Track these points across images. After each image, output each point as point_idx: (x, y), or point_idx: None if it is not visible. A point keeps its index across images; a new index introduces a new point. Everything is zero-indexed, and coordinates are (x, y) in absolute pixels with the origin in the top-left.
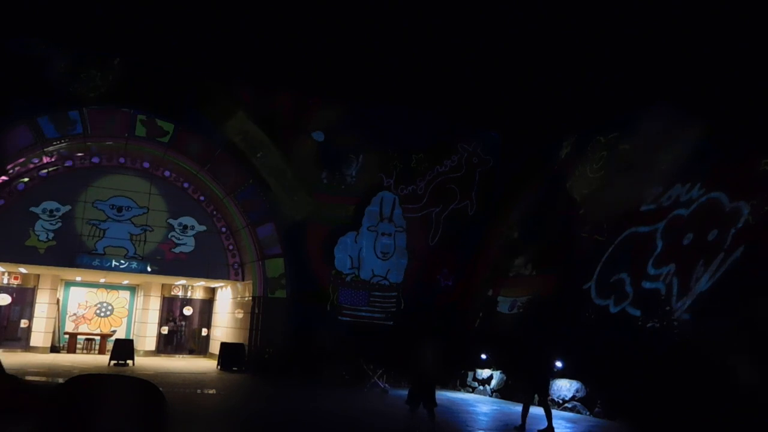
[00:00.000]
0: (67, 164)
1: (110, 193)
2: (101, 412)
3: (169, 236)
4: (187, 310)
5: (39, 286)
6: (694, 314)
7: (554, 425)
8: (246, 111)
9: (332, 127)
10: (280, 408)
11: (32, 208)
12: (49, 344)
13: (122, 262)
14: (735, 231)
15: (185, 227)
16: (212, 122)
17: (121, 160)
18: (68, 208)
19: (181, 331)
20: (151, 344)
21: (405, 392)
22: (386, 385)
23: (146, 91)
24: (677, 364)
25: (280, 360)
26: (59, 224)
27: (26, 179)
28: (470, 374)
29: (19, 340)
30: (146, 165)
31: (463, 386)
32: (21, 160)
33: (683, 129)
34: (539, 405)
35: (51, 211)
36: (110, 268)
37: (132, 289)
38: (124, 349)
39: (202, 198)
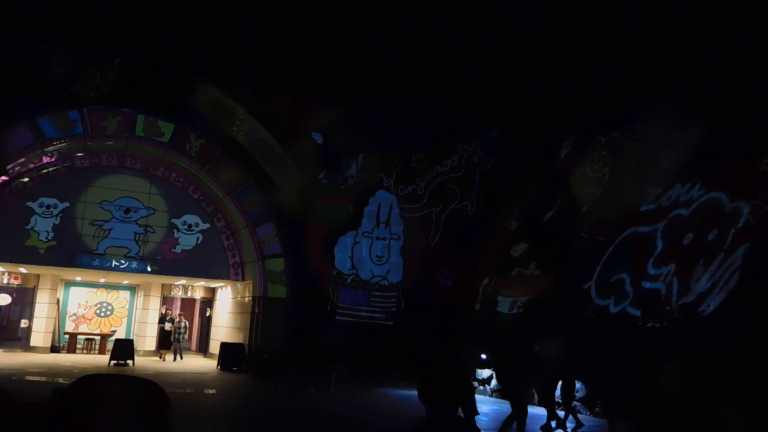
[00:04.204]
0: (67, 164)
1: (110, 193)
2: (106, 412)
3: (175, 235)
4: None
5: (39, 286)
6: (694, 314)
7: (551, 425)
8: (246, 111)
9: (332, 127)
10: (280, 408)
11: (29, 203)
12: (49, 344)
13: (122, 262)
14: (735, 231)
15: (190, 225)
16: (212, 122)
17: (121, 160)
18: (66, 205)
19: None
20: (151, 344)
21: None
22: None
23: (146, 91)
24: (678, 363)
25: (280, 360)
26: (57, 221)
27: (26, 179)
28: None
29: (19, 340)
30: (146, 165)
31: None
32: (21, 159)
33: (683, 129)
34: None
35: (48, 206)
36: (110, 268)
37: (132, 289)
38: (124, 349)
39: (202, 198)
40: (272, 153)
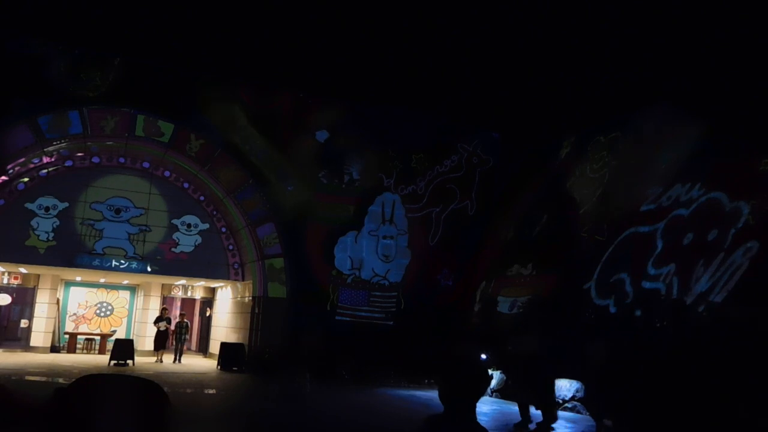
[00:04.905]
0: (67, 164)
1: (110, 193)
2: (106, 412)
3: (173, 236)
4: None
5: (39, 286)
6: (695, 314)
7: (553, 426)
8: (246, 111)
9: (332, 127)
10: (280, 408)
11: (28, 205)
12: (49, 344)
13: (122, 262)
14: (735, 231)
15: (189, 226)
16: (212, 122)
17: (121, 160)
18: (66, 205)
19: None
20: (151, 344)
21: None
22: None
23: (146, 91)
24: (678, 363)
25: (280, 360)
26: (58, 222)
27: (26, 179)
28: None
29: (19, 340)
30: (146, 165)
31: None
32: (21, 160)
33: (683, 129)
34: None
35: (47, 207)
36: (110, 268)
37: (132, 289)
38: (124, 349)
39: (202, 198)
40: (272, 153)
